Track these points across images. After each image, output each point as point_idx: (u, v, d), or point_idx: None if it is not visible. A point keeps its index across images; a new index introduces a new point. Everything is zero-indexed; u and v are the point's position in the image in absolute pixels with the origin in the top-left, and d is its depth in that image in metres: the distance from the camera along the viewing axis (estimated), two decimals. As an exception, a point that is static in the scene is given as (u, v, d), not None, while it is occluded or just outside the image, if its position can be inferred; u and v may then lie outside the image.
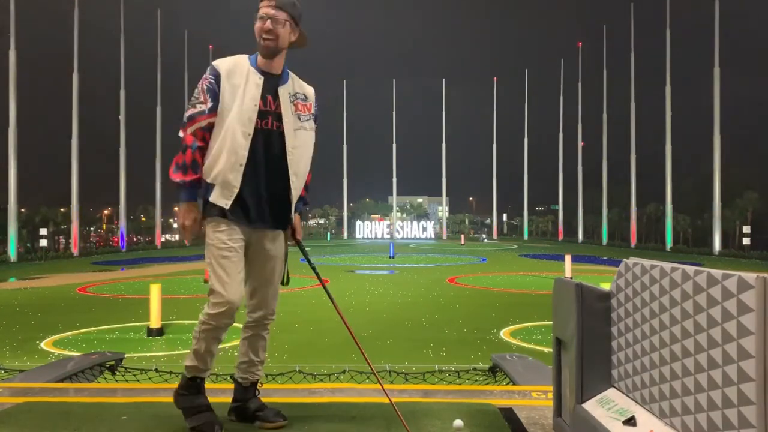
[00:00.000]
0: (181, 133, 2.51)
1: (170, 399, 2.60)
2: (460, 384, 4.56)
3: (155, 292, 9.19)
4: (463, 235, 54.50)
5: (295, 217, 2.72)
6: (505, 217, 78.72)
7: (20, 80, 30.56)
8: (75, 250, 33.90)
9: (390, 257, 28.67)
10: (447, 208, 72.52)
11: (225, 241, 2.47)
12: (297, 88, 2.67)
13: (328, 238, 61.79)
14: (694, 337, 1.53)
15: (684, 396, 1.57)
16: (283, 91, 2.59)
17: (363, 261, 27.85)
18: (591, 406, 2.01)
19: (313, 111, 2.69)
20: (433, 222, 65.91)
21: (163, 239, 46.57)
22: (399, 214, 70.90)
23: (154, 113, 43.78)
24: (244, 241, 2.54)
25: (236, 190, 2.47)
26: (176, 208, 2.55)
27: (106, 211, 70.87)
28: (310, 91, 2.74)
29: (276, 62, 2.57)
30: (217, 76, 2.49)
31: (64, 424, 2.59)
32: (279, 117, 2.55)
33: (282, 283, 2.70)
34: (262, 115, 2.51)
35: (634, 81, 42.98)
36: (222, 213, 2.48)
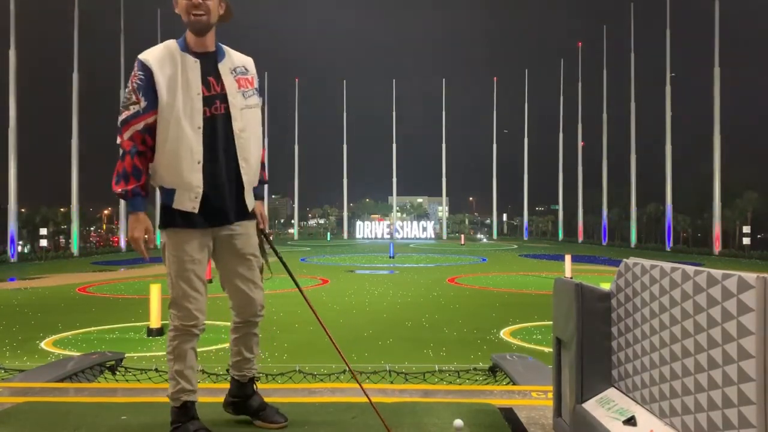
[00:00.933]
0: (118, 140, 2.30)
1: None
2: (460, 384, 4.56)
3: (155, 292, 9.19)
4: (463, 235, 54.53)
5: (256, 204, 2.55)
6: (505, 217, 78.72)
7: (20, 80, 30.58)
8: (75, 250, 33.90)
9: (390, 257, 28.67)
10: (447, 208, 72.55)
11: (189, 252, 2.34)
12: (236, 61, 2.47)
13: (328, 238, 61.83)
14: (694, 337, 1.53)
15: (684, 396, 1.57)
16: (224, 68, 2.40)
17: (363, 261, 27.85)
18: (591, 406, 2.01)
19: (255, 85, 2.50)
20: (433, 222, 65.92)
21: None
22: (399, 214, 70.93)
23: (154, 113, 43.72)
24: (210, 246, 2.44)
25: (200, 190, 2.32)
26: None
27: (106, 211, 70.87)
28: (249, 61, 2.53)
29: (208, 39, 2.38)
30: (147, 71, 2.29)
31: (64, 424, 2.59)
32: (224, 98, 2.37)
33: (263, 275, 2.61)
34: (207, 101, 2.33)
35: (634, 81, 43.03)
36: (184, 219, 2.33)
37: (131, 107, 2.28)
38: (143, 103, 2.28)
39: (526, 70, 58.54)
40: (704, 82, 36.40)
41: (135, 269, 24.02)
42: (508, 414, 2.78)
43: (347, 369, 2.63)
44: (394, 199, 63.61)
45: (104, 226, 69.89)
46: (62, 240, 48.09)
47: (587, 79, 50.61)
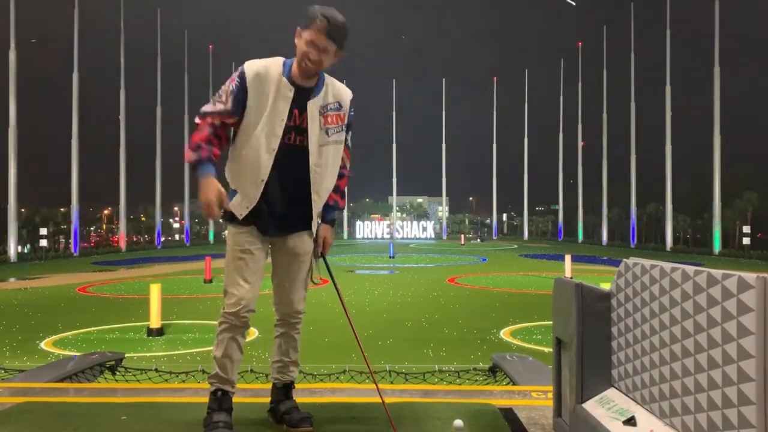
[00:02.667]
0: (196, 119, 2.46)
1: (170, 399, 2.60)
2: (460, 384, 4.56)
3: (155, 292, 9.19)
4: (463, 235, 54.54)
5: (322, 227, 2.65)
6: (505, 217, 78.73)
7: (20, 80, 30.58)
8: (75, 250, 33.90)
9: (390, 257, 28.67)
10: (447, 208, 72.55)
11: (241, 243, 2.47)
12: (330, 97, 2.54)
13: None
14: (694, 337, 1.53)
15: (684, 396, 1.57)
16: (313, 106, 2.48)
17: (363, 261, 27.84)
18: (591, 406, 2.01)
19: (346, 121, 2.58)
20: (433, 222, 65.92)
21: (163, 239, 46.57)
22: (399, 214, 70.90)
23: (154, 113, 43.79)
24: (267, 242, 2.54)
25: (254, 203, 2.45)
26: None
27: (106, 211, 70.86)
28: (345, 97, 2.59)
29: (312, 78, 2.48)
30: (243, 80, 2.41)
31: (64, 424, 2.59)
32: (303, 131, 2.46)
33: (312, 281, 2.68)
34: (287, 129, 2.44)
35: (634, 81, 43.03)
36: (242, 220, 2.48)
37: (217, 104, 2.43)
38: (229, 106, 2.42)
39: (526, 70, 58.61)
40: (704, 82, 36.43)
41: (135, 269, 24.03)
42: (508, 414, 2.78)
43: (370, 371, 2.66)
44: (394, 199, 63.60)
45: (104, 226, 69.86)
46: (62, 240, 48.08)
47: (587, 79, 50.68)
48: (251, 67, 2.43)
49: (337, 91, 2.58)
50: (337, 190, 2.67)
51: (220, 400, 2.45)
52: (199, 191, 2.36)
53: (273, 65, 2.45)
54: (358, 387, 3.71)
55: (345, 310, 2.74)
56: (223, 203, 2.38)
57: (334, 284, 2.77)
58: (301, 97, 2.46)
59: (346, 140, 2.63)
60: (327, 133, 2.51)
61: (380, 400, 2.51)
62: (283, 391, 2.65)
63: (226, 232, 2.55)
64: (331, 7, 2.40)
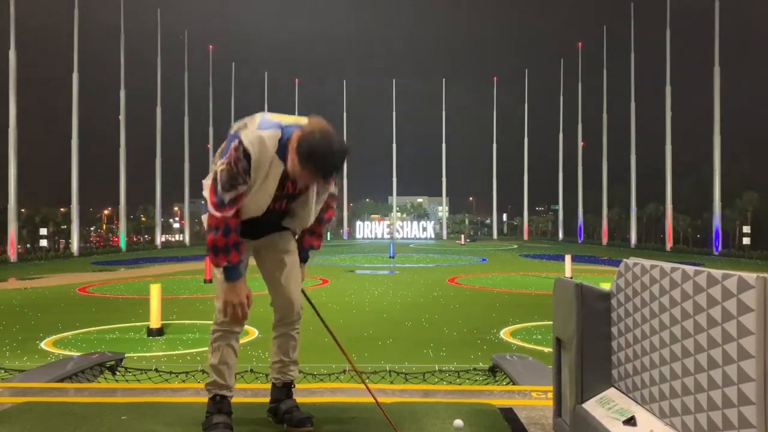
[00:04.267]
0: (217, 213, 2.27)
1: (170, 399, 2.61)
2: (460, 384, 4.56)
3: (155, 292, 9.19)
4: (463, 235, 54.54)
5: (301, 266, 2.69)
6: (505, 217, 78.73)
7: (20, 80, 30.59)
8: (75, 250, 33.91)
9: (390, 257, 28.68)
10: (447, 208, 72.55)
11: None
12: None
13: (328, 238, 61.84)
14: (694, 337, 1.53)
15: (684, 396, 1.57)
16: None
17: (363, 261, 27.85)
18: (591, 406, 2.01)
19: (332, 188, 2.60)
20: (433, 222, 65.93)
21: (163, 239, 46.58)
22: (399, 214, 70.91)
23: (154, 113, 43.81)
24: (253, 247, 2.55)
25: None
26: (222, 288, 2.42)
27: (106, 211, 70.91)
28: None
29: None
30: (248, 159, 2.25)
31: (64, 424, 2.59)
32: (293, 197, 2.48)
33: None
34: (276, 198, 2.41)
35: (634, 81, 43.03)
36: None
37: (240, 187, 2.27)
38: (245, 186, 2.28)
39: (526, 70, 58.62)
40: (704, 82, 36.44)
41: (135, 269, 24.03)
42: (508, 414, 2.78)
43: (351, 369, 2.66)
44: (394, 199, 63.62)
45: (104, 226, 69.89)
46: (62, 240, 48.09)
47: (587, 79, 50.69)
48: (251, 147, 2.25)
49: None
50: (317, 236, 2.71)
51: (219, 404, 2.46)
52: (227, 292, 2.37)
53: (268, 143, 2.27)
54: (358, 387, 3.71)
55: (320, 317, 2.76)
56: (249, 305, 2.40)
57: (314, 309, 2.78)
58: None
59: (332, 193, 2.65)
60: (316, 199, 2.53)
61: (385, 400, 2.52)
62: (283, 390, 2.64)
63: None
64: (325, 132, 2.18)
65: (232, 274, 2.36)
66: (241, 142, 2.24)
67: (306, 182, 2.35)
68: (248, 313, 2.41)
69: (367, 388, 2.63)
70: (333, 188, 2.63)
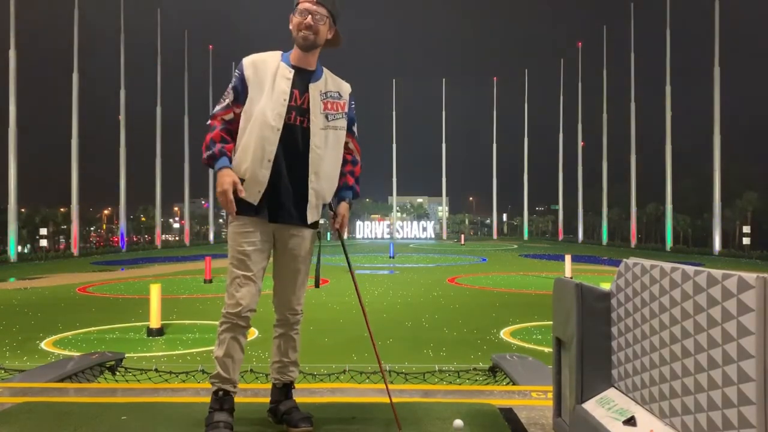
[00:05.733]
0: (208, 122, 2.53)
1: (170, 399, 2.60)
2: (460, 384, 4.56)
3: (155, 292, 9.19)
4: (462, 235, 54.54)
5: (340, 205, 2.71)
6: (505, 217, 78.72)
7: (20, 80, 30.58)
8: (75, 250, 33.89)
9: (390, 257, 28.67)
10: (447, 208, 72.54)
11: (243, 243, 2.49)
12: (330, 85, 2.62)
13: (328, 238, 61.87)
14: (694, 337, 1.52)
15: (684, 396, 1.57)
16: (314, 89, 2.55)
17: (363, 261, 27.83)
18: (591, 406, 2.01)
19: (346, 110, 2.64)
20: (433, 222, 65.91)
21: (163, 239, 46.57)
22: (399, 214, 70.90)
23: (154, 113, 43.79)
24: (269, 241, 2.56)
25: (264, 187, 2.47)
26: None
27: (106, 211, 70.90)
28: (345, 88, 2.68)
29: (310, 58, 2.55)
30: (241, 71, 2.52)
31: (64, 424, 2.59)
32: (303, 112, 2.51)
33: (316, 286, 2.71)
34: (289, 109, 2.49)
35: (634, 81, 43.02)
36: (249, 208, 2.48)
37: (224, 101, 2.54)
38: (230, 97, 2.52)
39: (526, 70, 58.59)
40: (704, 82, 36.42)
41: (135, 269, 24.03)
42: (508, 414, 2.78)
43: (371, 371, 2.70)
44: (394, 199, 63.59)
45: (104, 226, 69.86)
46: (62, 240, 48.08)
47: (587, 79, 50.67)
48: (248, 59, 2.54)
49: (337, 82, 2.68)
50: (352, 174, 2.74)
51: (222, 399, 2.46)
52: (217, 183, 2.42)
53: (271, 55, 2.57)
54: (358, 387, 3.71)
55: (361, 303, 2.86)
56: (238, 192, 2.41)
57: (350, 268, 2.87)
58: (301, 79, 2.54)
59: (352, 131, 2.71)
60: (327, 117, 2.57)
61: (385, 400, 2.52)
62: (283, 391, 2.65)
63: (228, 231, 2.57)
64: None
65: (217, 163, 2.44)
66: (240, 62, 2.54)
67: (305, 19, 2.44)
68: (233, 201, 2.40)
69: (387, 389, 2.64)
70: (354, 128, 2.72)
